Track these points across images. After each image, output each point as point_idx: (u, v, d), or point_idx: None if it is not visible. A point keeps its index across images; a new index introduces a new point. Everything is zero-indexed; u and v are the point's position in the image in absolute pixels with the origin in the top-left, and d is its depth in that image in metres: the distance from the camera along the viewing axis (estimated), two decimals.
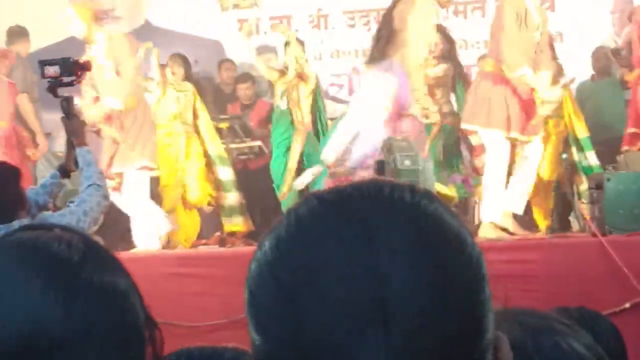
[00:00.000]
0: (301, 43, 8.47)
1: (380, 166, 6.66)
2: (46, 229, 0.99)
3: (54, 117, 9.34)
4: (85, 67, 4.71)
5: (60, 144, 8.91)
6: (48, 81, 4.62)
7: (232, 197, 8.27)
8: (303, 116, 8.21)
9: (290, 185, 8.00)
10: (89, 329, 0.92)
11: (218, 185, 8.27)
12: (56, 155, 7.52)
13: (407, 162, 6.70)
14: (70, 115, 4.61)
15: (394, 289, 0.77)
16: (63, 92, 4.60)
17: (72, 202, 4.47)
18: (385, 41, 7.05)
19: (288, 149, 8.17)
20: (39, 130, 8.71)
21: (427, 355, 0.76)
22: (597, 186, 6.47)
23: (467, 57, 9.33)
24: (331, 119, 10.16)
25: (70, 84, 4.65)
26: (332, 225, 0.80)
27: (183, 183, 8.11)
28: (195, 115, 8.32)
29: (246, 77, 9.77)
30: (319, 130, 8.37)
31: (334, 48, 10.69)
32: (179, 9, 10.87)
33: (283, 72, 8.38)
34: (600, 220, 6.32)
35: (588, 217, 6.51)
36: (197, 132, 8.31)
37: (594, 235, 6.16)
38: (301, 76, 8.20)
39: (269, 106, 9.32)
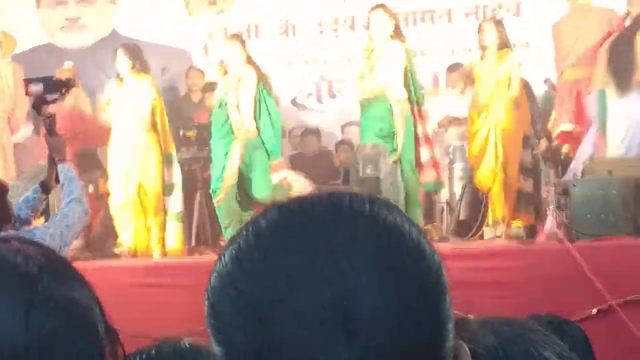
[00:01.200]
0: (238, 40, 8.25)
1: (345, 174, 6.70)
2: (4, 241, 0.98)
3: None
4: (69, 84, 4.86)
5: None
6: (32, 99, 4.75)
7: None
8: (243, 121, 7.89)
9: (227, 191, 7.79)
10: (48, 341, 0.91)
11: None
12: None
13: (368, 171, 6.74)
14: (53, 133, 4.72)
15: (354, 300, 0.77)
16: (47, 109, 4.71)
17: (54, 217, 4.55)
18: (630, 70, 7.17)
19: (226, 154, 7.92)
20: None
21: None
22: (564, 192, 6.51)
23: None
24: (299, 127, 10.22)
25: (54, 101, 4.77)
26: (293, 237, 0.80)
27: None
28: (153, 112, 8.20)
29: (213, 85, 9.74)
30: (266, 136, 7.96)
31: (303, 56, 10.70)
32: (146, 18, 10.83)
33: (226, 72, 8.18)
34: (567, 226, 6.36)
35: (555, 223, 6.55)
36: (155, 129, 8.21)
37: (561, 241, 6.21)
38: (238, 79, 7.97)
39: None
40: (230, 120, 7.87)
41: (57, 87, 4.78)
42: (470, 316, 1.33)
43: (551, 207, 6.67)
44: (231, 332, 0.80)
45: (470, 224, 7.78)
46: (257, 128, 7.86)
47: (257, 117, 7.89)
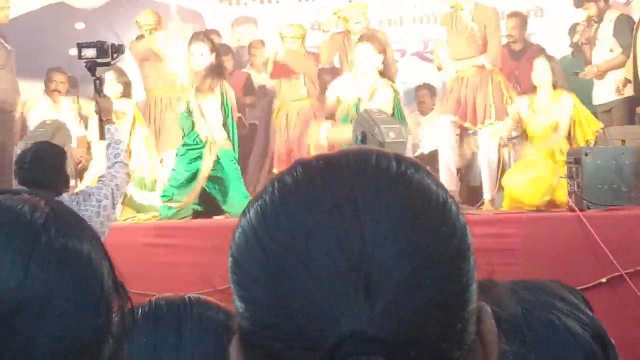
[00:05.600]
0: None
1: (363, 138, 6.65)
2: (13, 192, 0.98)
3: (31, 85, 9.34)
4: (119, 49, 5.31)
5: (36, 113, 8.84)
6: (85, 62, 5.22)
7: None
8: (212, 132, 7.39)
9: (187, 202, 7.33)
10: (48, 294, 0.91)
11: None
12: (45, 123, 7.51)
13: (392, 135, 6.69)
14: (101, 94, 5.23)
15: (377, 257, 0.76)
16: (100, 72, 5.26)
17: (102, 177, 4.98)
18: None
19: (192, 160, 7.40)
20: None
21: (409, 323, 0.76)
22: (576, 161, 6.49)
23: None
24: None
25: (106, 64, 5.31)
26: (317, 194, 0.80)
27: None
28: None
29: (226, 49, 9.71)
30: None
31: (315, 19, 10.64)
32: None
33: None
34: (579, 195, 6.35)
35: (567, 192, 6.54)
36: None
37: (572, 210, 6.20)
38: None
39: (246, 76, 9.29)
40: (197, 129, 7.40)
41: (108, 51, 5.22)
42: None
43: (563, 176, 6.66)
44: (254, 288, 0.80)
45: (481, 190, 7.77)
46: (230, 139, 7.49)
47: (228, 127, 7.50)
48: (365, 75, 7.46)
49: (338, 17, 8.22)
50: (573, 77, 8.48)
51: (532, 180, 6.97)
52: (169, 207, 7.30)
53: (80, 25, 10.67)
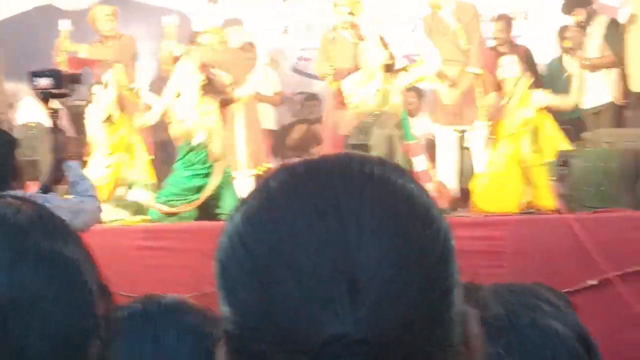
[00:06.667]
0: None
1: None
2: None
3: (18, 87, 9.31)
4: (76, 79, 4.73)
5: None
6: (40, 92, 4.61)
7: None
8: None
9: (181, 212, 7.28)
10: (36, 294, 0.91)
11: None
12: (27, 126, 7.48)
13: (360, 136, 6.68)
14: (55, 129, 4.63)
15: (361, 261, 0.77)
16: (54, 103, 4.62)
17: (72, 198, 4.46)
18: None
19: (198, 175, 7.40)
20: None
21: (394, 326, 0.77)
22: (564, 163, 6.51)
23: None
24: (301, 93, 10.19)
25: (63, 95, 4.65)
26: (302, 198, 0.80)
27: None
28: None
29: None
30: None
31: (303, 21, 10.65)
32: None
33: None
34: (567, 198, 6.36)
35: (555, 194, 6.55)
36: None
37: (560, 212, 6.21)
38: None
39: None
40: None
41: (64, 81, 4.63)
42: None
43: (553, 178, 6.68)
44: (240, 292, 0.80)
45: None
46: None
47: None
48: (373, 75, 7.34)
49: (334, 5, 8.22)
50: (561, 82, 8.51)
51: (500, 188, 7.03)
52: (160, 212, 7.28)
53: (64, 26, 10.61)
